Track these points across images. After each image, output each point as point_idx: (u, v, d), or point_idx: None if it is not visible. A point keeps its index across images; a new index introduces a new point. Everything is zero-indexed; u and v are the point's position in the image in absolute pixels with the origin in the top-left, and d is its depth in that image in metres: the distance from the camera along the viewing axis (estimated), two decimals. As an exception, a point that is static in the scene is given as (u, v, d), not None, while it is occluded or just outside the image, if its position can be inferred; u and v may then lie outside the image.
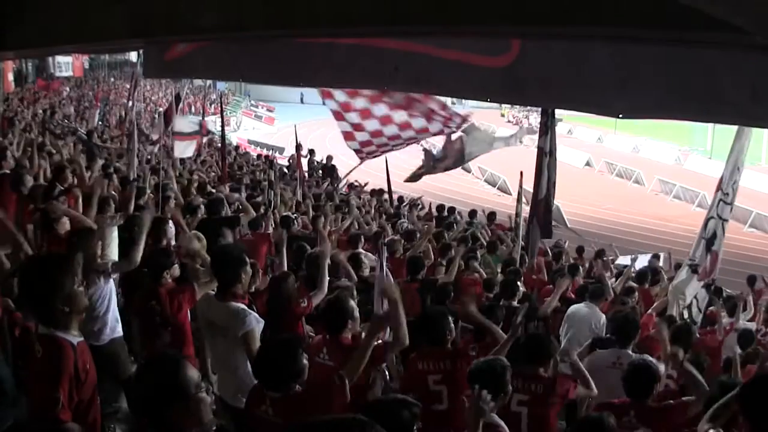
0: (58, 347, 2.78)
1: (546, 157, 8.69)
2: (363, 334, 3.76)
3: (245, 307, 3.91)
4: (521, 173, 10.60)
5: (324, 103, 10.65)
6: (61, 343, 2.79)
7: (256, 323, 3.83)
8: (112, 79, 41.00)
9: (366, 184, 15.33)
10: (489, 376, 3.46)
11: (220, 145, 15.65)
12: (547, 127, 8.65)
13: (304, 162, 16.51)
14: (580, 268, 9.15)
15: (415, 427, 2.57)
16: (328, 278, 5.14)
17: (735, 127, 5.92)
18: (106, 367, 4.59)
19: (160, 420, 2.11)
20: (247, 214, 7.71)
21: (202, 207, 7.46)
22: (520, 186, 10.78)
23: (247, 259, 4.11)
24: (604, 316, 6.16)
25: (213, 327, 4.02)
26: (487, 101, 8.23)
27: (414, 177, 12.57)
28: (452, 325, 4.34)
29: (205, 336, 4.24)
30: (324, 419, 1.81)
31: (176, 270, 4.69)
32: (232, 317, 3.84)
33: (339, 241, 8.18)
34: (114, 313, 4.60)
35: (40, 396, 2.77)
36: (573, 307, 6.37)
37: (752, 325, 7.61)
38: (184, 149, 12.67)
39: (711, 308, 8.09)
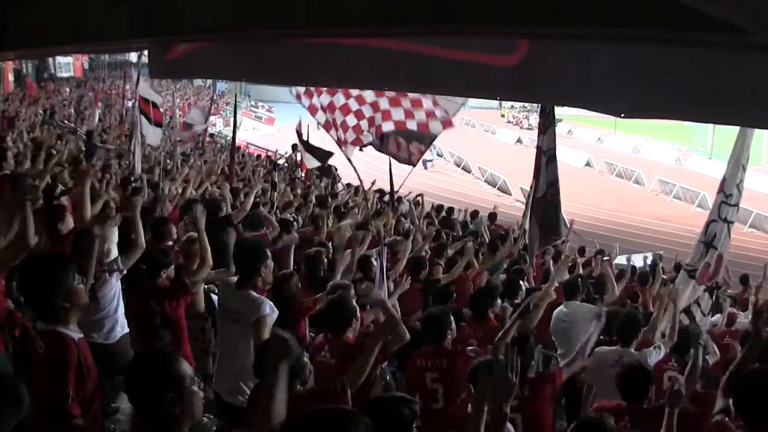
0: (61, 342, 2.79)
1: (544, 156, 8.69)
2: (367, 338, 3.78)
3: (262, 297, 4.02)
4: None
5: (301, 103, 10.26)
6: (63, 338, 2.81)
7: (270, 311, 3.94)
8: (110, 80, 40.98)
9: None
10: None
11: (228, 144, 15.66)
12: (545, 127, 8.65)
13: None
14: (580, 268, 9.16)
15: (414, 425, 2.58)
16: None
17: (736, 128, 5.89)
18: (116, 366, 4.62)
19: (153, 413, 2.12)
20: (242, 213, 7.67)
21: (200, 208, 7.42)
22: (531, 188, 10.79)
23: (269, 253, 4.18)
24: (588, 307, 6.05)
25: (227, 312, 4.15)
26: (496, 99, 8.18)
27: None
28: (453, 324, 4.36)
29: (218, 323, 4.32)
30: (313, 411, 1.84)
31: (172, 270, 4.72)
32: (248, 303, 3.97)
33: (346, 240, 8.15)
34: (122, 309, 4.64)
35: (48, 392, 2.78)
36: (554, 312, 6.15)
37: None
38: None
39: (731, 309, 8.10)
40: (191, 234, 5.53)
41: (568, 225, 12.78)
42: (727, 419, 3.23)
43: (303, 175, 15.20)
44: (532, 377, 4.04)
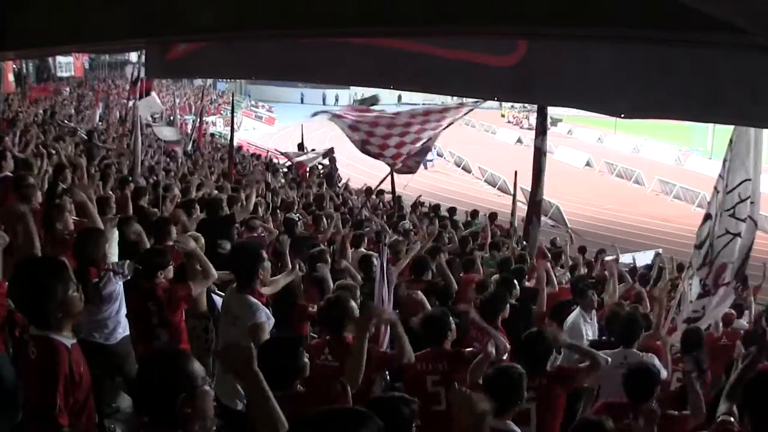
0: (52, 349, 2.77)
1: (544, 158, 8.78)
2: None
3: (260, 303, 4.03)
4: (515, 173, 10.67)
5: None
6: (55, 344, 2.78)
7: (266, 319, 3.96)
8: (110, 80, 41.01)
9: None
10: (505, 384, 3.46)
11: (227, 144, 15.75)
12: (544, 127, 8.71)
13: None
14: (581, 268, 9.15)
15: (414, 425, 2.58)
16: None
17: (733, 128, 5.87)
18: (116, 367, 4.62)
19: (165, 413, 2.11)
20: (245, 213, 7.67)
21: (198, 207, 7.43)
22: (515, 186, 10.88)
23: (265, 255, 4.18)
24: (589, 327, 6.07)
25: (228, 316, 4.17)
26: (494, 100, 8.28)
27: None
28: (453, 325, 4.35)
29: (220, 324, 4.37)
30: (326, 410, 1.83)
31: (170, 271, 4.70)
32: (246, 308, 3.98)
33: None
34: (124, 311, 4.64)
35: (37, 398, 2.77)
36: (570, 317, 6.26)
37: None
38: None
39: (728, 309, 8.09)
40: (193, 233, 5.53)
41: (568, 225, 12.87)
42: (732, 419, 3.22)
43: (300, 176, 15.22)
44: (549, 371, 4.05)
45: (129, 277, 4.61)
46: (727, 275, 5.92)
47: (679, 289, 6.60)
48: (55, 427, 2.70)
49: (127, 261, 4.70)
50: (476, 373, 3.90)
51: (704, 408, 3.93)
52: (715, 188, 5.99)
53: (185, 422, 2.13)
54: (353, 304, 4.12)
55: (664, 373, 4.90)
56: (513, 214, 10.58)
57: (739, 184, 5.70)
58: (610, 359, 4.46)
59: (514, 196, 10.72)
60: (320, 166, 17.87)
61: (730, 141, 5.83)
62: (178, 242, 4.60)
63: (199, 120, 22.48)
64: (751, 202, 5.68)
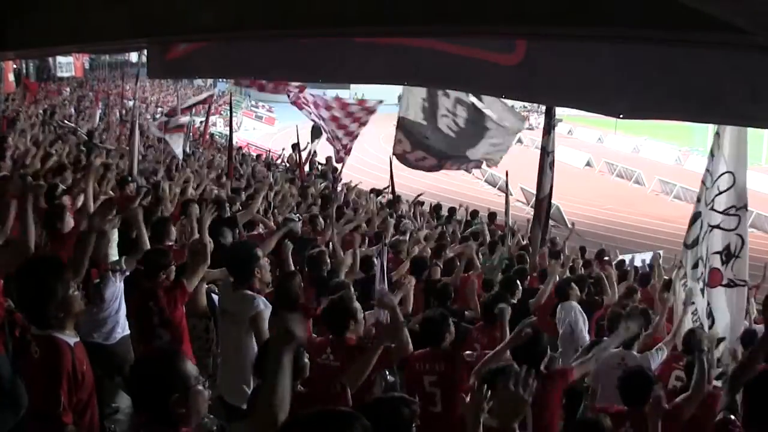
0: (55, 348, 2.78)
1: (548, 158, 8.80)
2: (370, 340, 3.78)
3: (254, 294, 4.05)
4: (507, 172, 10.66)
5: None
6: (58, 343, 2.79)
7: (264, 307, 3.97)
8: (111, 80, 41.01)
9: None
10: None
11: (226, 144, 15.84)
12: (550, 127, 8.73)
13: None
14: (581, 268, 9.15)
15: (414, 425, 2.58)
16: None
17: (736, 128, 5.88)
18: (115, 367, 4.62)
19: (160, 413, 2.12)
20: (248, 216, 7.67)
21: (196, 208, 7.41)
22: (507, 185, 10.88)
23: (260, 254, 4.18)
24: (574, 311, 6.11)
25: (225, 315, 4.19)
26: (501, 97, 8.30)
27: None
28: (452, 326, 4.34)
29: (219, 325, 4.38)
30: (312, 412, 1.84)
31: (172, 272, 4.71)
32: (242, 302, 4.01)
33: (342, 240, 8.16)
34: (124, 311, 4.64)
35: (41, 397, 2.77)
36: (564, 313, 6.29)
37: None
38: (177, 141, 13.18)
39: None
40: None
41: (569, 225, 12.87)
42: (732, 417, 3.22)
43: (298, 174, 15.24)
44: (544, 372, 4.04)
45: (128, 273, 4.61)
46: (713, 263, 5.96)
47: (673, 289, 6.62)
48: (59, 425, 2.70)
49: (124, 257, 4.71)
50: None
51: (704, 389, 3.95)
52: (703, 182, 6.03)
53: (179, 422, 2.13)
54: (356, 305, 4.12)
55: (664, 355, 4.91)
56: (507, 213, 10.63)
57: (720, 176, 5.77)
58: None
59: (507, 195, 10.79)
60: (319, 166, 17.86)
61: (717, 133, 5.88)
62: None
63: (206, 119, 22.54)
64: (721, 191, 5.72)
